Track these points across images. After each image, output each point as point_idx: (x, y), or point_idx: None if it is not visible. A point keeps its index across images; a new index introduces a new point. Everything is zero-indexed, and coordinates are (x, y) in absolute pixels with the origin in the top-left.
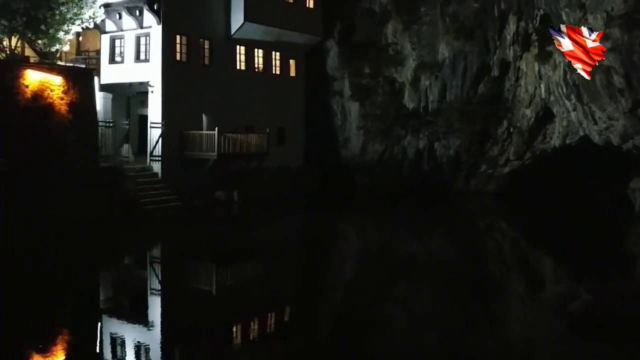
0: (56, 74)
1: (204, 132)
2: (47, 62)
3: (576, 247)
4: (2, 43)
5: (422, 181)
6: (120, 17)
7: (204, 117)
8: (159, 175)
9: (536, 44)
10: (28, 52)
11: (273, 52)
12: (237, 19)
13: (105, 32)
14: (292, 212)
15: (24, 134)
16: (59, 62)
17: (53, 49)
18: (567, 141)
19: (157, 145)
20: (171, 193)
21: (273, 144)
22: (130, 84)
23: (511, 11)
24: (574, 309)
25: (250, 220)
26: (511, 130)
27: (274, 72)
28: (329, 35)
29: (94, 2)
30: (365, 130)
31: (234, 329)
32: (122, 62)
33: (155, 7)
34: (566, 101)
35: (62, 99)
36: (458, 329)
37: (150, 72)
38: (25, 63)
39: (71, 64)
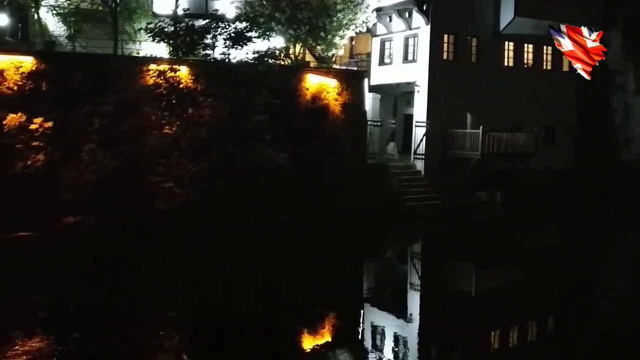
0: (332, 77)
1: (468, 130)
2: (324, 66)
3: None
4: (288, 51)
5: None
6: (390, 20)
7: (468, 116)
8: (422, 173)
9: None
10: (308, 57)
11: (544, 47)
12: (506, 14)
13: (376, 35)
14: (559, 217)
15: (303, 132)
16: (334, 66)
17: (329, 54)
18: None
19: (420, 144)
20: (432, 191)
21: (540, 143)
22: (398, 85)
23: None
24: None
25: (513, 223)
26: None
27: (544, 67)
28: (611, 25)
29: (367, 7)
30: None
31: (492, 333)
32: (390, 63)
33: (424, 8)
34: None
35: (336, 100)
36: None
37: (417, 72)
38: (306, 68)
39: (344, 67)
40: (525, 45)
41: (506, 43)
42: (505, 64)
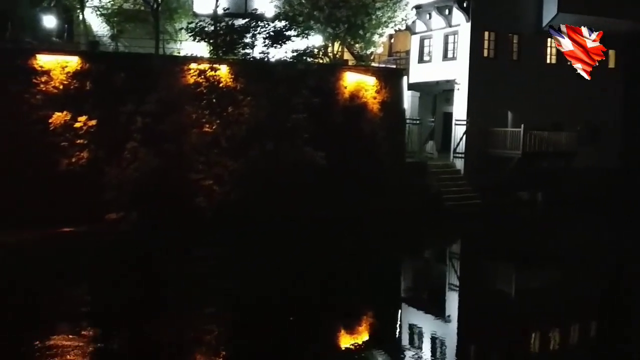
0: (370, 75)
1: (509, 129)
2: (362, 64)
3: None
4: (327, 49)
5: None
6: (429, 17)
7: (509, 114)
8: (461, 172)
9: None
10: (346, 55)
11: None
12: (549, 10)
13: (415, 33)
14: (602, 217)
15: (341, 131)
16: (373, 64)
17: (368, 52)
18: None
19: (460, 142)
20: (472, 190)
21: (584, 142)
22: (437, 82)
23: None
24: None
25: (554, 223)
26: None
27: None
28: None
29: (406, 5)
30: None
31: (532, 335)
32: (430, 61)
33: (465, 5)
34: None
35: (374, 98)
36: None
37: (456, 70)
38: (345, 66)
39: (383, 65)
40: None
41: (549, 40)
42: (548, 61)
